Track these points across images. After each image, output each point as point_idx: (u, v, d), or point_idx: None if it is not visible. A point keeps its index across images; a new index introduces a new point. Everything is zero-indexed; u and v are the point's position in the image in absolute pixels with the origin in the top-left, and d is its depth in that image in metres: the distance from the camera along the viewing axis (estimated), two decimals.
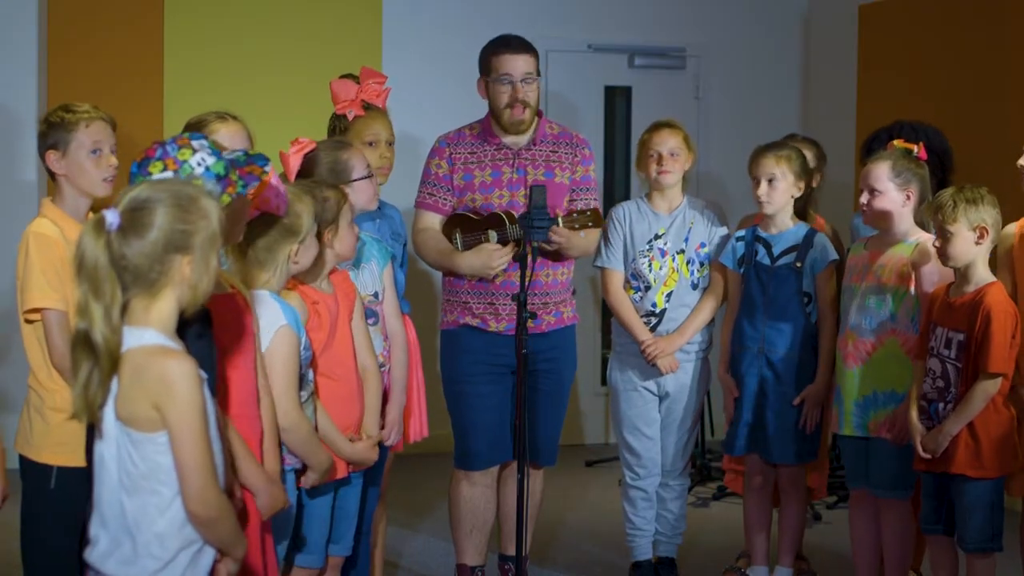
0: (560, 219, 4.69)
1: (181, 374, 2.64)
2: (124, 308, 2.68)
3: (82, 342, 2.63)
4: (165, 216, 2.65)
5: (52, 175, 3.77)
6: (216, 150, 2.92)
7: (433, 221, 4.88)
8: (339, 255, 3.79)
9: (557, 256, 4.88)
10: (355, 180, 4.10)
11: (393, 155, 4.77)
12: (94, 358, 2.62)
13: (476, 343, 4.84)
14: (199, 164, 2.86)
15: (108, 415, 2.69)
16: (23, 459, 3.69)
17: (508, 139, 4.88)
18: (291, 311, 3.49)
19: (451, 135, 4.94)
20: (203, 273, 2.70)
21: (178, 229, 2.66)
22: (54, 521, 3.58)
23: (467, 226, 4.82)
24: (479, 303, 4.84)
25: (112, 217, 2.65)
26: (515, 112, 4.83)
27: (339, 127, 4.78)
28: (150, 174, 2.83)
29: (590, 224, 4.76)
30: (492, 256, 4.73)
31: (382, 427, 4.12)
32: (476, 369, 4.84)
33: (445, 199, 4.86)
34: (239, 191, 2.91)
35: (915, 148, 4.58)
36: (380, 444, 4.07)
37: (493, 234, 4.76)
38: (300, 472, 3.63)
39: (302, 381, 3.54)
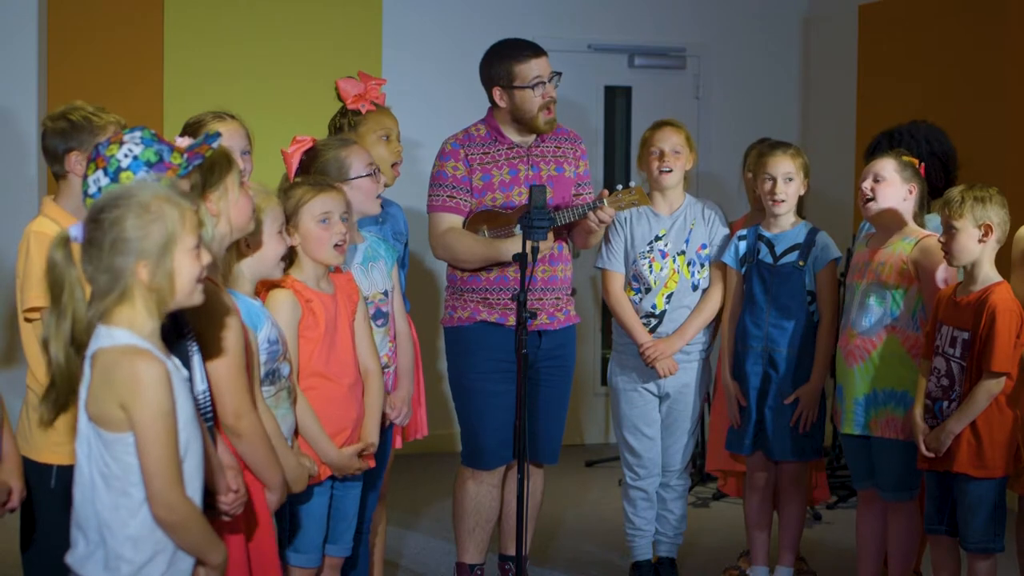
0: (606, 199, 4.71)
1: (149, 376, 2.62)
2: (104, 311, 2.68)
3: (44, 350, 2.70)
4: (117, 225, 2.64)
5: (56, 175, 3.75)
6: (152, 140, 2.90)
7: (456, 223, 4.81)
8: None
9: (583, 241, 4.93)
10: (354, 178, 4.10)
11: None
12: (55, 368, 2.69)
13: (493, 340, 4.80)
14: (126, 156, 2.85)
15: (81, 415, 2.69)
16: (23, 459, 3.67)
17: (518, 138, 4.88)
18: (246, 306, 3.38)
19: (460, 137, 4.88)
20: (163, 276, 2.67)
21: (128, 237, 2.64)
22: (54, 521, 3.57)
23: (494, 222, 4.80)
24: (501, 297, 4.81)
25: (76, 231, 2.68)
26: (549, 113, 4.83)
27: (348, 123, 4.74)
28: (86, 176, 2.83)
29: (635, 202, 4.78)
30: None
31: (383, 428, 4.12)
32: (492, 366, 4.80)
33: (465, 200, 4.81)
34: (180, 173, 2.90)
35: (916, 163, 4.62)
36: (381, 444, 4.07)
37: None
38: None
39: (272, 376, 3.49)
